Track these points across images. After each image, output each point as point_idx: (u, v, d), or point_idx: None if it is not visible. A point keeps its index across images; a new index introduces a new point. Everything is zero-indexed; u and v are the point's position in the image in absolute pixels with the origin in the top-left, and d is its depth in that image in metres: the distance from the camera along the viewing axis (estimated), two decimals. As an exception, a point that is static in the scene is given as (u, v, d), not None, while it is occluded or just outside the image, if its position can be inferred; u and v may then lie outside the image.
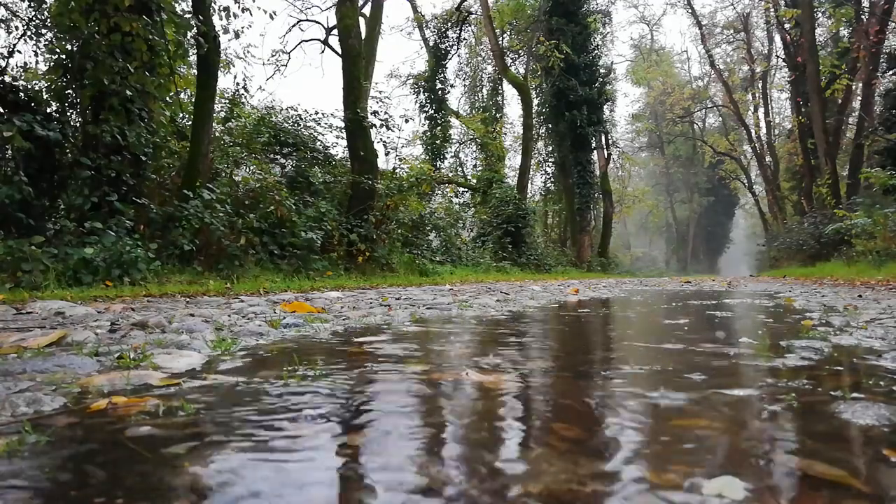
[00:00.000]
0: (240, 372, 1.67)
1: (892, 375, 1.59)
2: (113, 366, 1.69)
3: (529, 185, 29.68)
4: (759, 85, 36.07)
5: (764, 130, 37.01)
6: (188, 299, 5.37)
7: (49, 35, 8.77)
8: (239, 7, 10.13)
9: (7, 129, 6.70)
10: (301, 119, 14.52)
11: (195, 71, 10.49)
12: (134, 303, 4.74)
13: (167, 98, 10.03)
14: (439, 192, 24.50)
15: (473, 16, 29.01)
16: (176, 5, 9.59)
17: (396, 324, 3.16)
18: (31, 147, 7.04)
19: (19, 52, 8.80)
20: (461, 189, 27.57)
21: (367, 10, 18.48)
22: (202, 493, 0.78)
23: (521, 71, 30.28)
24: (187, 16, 9.53)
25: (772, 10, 28.94)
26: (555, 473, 0.85)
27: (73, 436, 1.05)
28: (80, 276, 6.22)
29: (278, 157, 13.80)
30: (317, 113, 14.75)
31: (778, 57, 34.19)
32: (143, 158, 8.30)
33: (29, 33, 8.76)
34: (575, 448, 0.97)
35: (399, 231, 14.11)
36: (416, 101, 28.48)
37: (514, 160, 33.12)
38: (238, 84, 15.35)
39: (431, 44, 29.01)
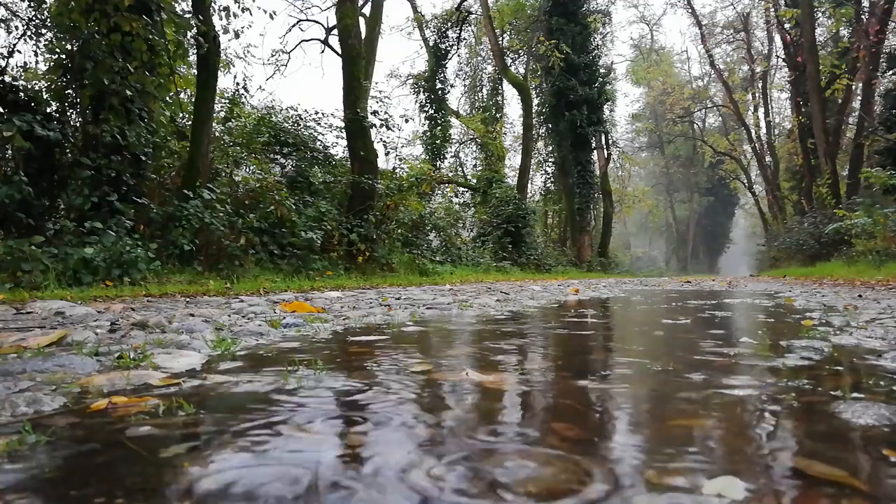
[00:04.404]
0: (240, 372, 1.67)
1: (892, 375, 1.59)
2: (113, 366, 1.69)
3: (529, 185, 29.69)
4: (759, 85, 36.05)
5: (764, 130, 37.02)
6: (188, 299, 5.37)
7: (49, 35, 8.76)
8: (239, 7, 10.14)
9: (7, 129, 6.70)
10: (301, 119, 14.52)
11: (195, 71, 10.49)
12: (134, 303, 4.73)
13: (167, 98, 10.03)
14: (439, 192, 24.50)
15: (473, 16, 29.00)
16: (176, 5, 9.59)
17: (396, 324, 3.16)
18: (31, 147, 7.04)
19: (19, 52, 8.83)
20: (461, 189, 27.56)
21: (367, 10, 18.47)
22: (202, 494, 0.78)
23: (521, 71, 30.28)
24: (187, 16, 9.54)
25: (772, 9, 28.93)
26: (555, 473, 0.85)
27: (73, 436, 1.05)
28: (80, 275, 6.22)
29: (278, 157, 13.80)
30: (317, 113, 14.76)
31: (778, 57, 34.20)
32: (143, 158, 8.31)
33: (29, 33, 8.76)
34: (575, 448, 0.97)
35: (399, 231, 14.10)
36: (416, 101, 28.50)
37: (514, 160, 33.14)
38: (238, 84, 15.37)
39: (431, 44, 28.98)
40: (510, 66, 29.03)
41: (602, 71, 29.59)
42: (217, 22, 9.93)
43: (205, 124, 9.74)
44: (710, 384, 1.49)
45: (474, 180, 27.52)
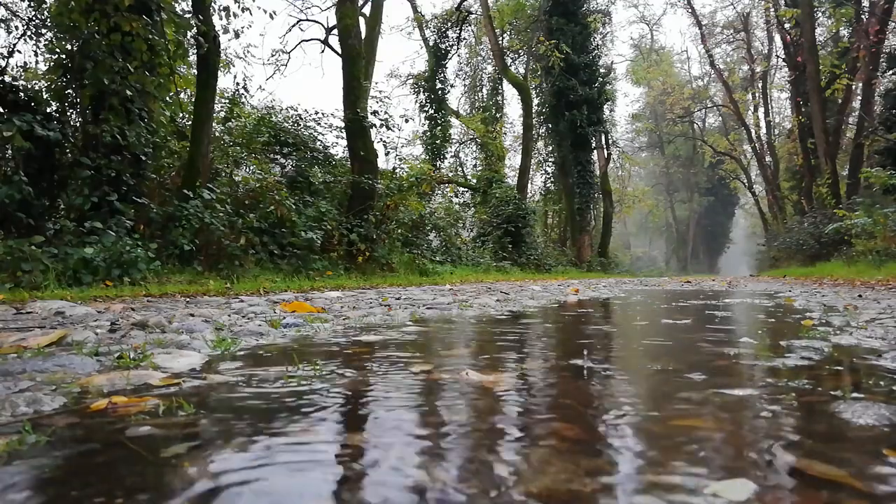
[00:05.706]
0: (240, 372, 1.67)
1: (892, 375, 1.59)
2: (113, 366, 1.69)
3: (529, 185, 29.69)
4: (759, 85, 36.04)
5: (764, 130, 37.02)
6: (188, 299, 5.37)
7: (49, 35, 8.76)
8: (239, 7, 10.13)
9: (7, 128, 6.70)
10: (301, 119, 14.52)
11: (195, 71, 10.49)
12: (134, 303, 4.73)
13: (167, 98, 10.03)
14: (439, 192, 24.48)
15: (473, 16, 28.99)
16: (176, 5, 9.59)
17: (397, 324, 3.16)
18: (31, 147, 7.04)
19: (19, 52, 8.81)
20: (461, 189, 27.55)
21: (367, 10, 18.47)
22: (202, 494, 0.78)
23: (521, 71, 30.27)
24: (187, 16, 9.53)
25: (772, 9, 28.93)
26: (555, 473, 0.85)
27: (73, 436, 1.05)
28: (80, 275, 6.22)
29: (278, 157, 13.79)
30: (317, 113, 14.76)
31: (778, 57, 34.19)
32: (143, 158, 8.30)
33: (29, 33, 8.75)
34: (575, 448, 0.97)
35: (399, 231, 14.10)
36: (416, 101, 28.48)
37: (514, 160, 33.12)
38: (238, 84, 15.36)
39: (431, 44, 28.97)
40: (510, 66, 29.03)
41: (602, 71, 29.59)
42: (217, 22, 9.94)
43: (205, 124, 9.74)
44: (709, 384, 1.49)
45: (474, 180, 27.52)
